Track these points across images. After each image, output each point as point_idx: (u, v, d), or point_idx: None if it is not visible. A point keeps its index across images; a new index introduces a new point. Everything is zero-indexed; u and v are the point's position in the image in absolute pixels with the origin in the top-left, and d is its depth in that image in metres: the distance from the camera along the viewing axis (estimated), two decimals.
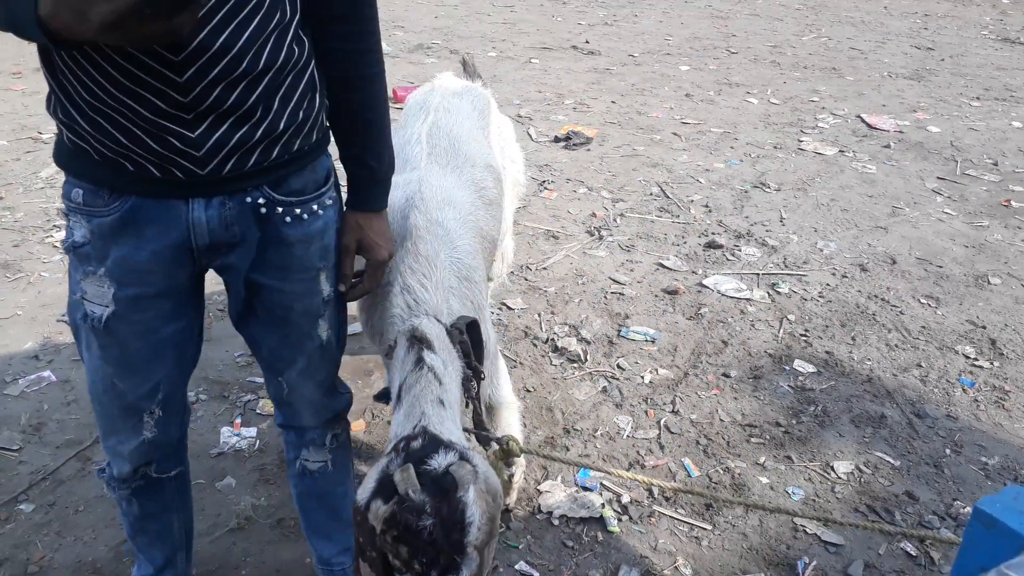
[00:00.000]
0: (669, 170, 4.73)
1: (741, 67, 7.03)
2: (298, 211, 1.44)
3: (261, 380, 2.82)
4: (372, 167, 1.51)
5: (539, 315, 3.28)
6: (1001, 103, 6.23)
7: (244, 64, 1.24)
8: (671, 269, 3.64)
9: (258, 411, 2.70)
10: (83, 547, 2.19)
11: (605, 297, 3.41)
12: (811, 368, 2.99)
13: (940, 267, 3.75)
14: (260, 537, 2.23)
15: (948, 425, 2.73)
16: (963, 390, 2.91)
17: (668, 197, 4.36)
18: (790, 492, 2.42)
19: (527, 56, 7.17)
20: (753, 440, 2.62)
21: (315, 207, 1.47)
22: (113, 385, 1.51)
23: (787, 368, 2.99)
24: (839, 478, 2.48)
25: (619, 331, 3.17)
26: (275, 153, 1.36)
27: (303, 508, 1.92)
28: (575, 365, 2.96)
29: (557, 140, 5.15)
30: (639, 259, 3.72)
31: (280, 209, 1.42)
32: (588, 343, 3.09)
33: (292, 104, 1.35)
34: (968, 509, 2.36)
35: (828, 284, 3.56)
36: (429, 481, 1.31)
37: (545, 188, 4.45)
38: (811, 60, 7.32)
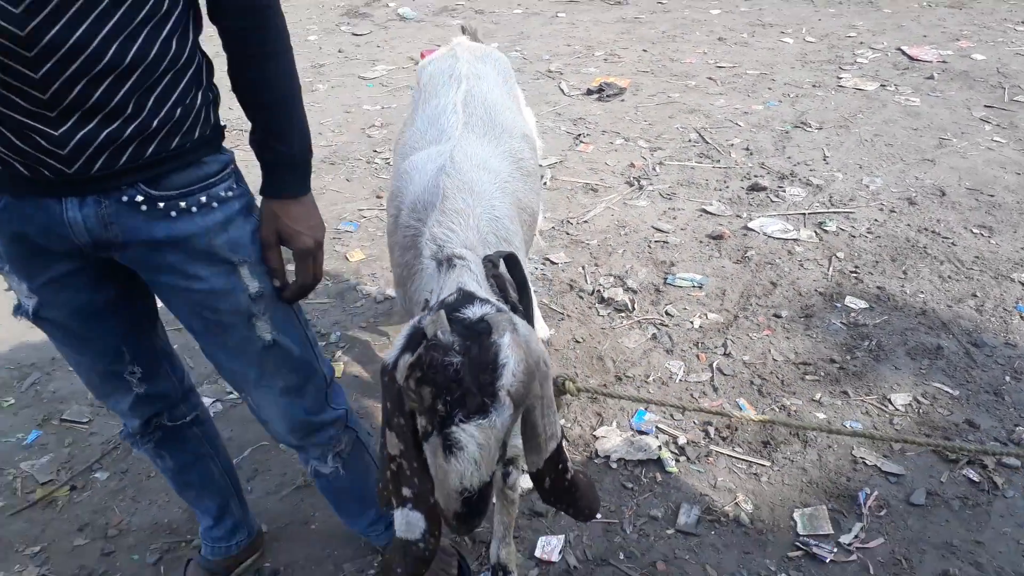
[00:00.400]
0: (707, 115, 4.66)
1: (773, 6, 6.84)
2: (183, 204, 1.36)
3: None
4: (279, 151, 1.41)
5: (583, 268, 3.28)
6: None
7: (106, 60, 1.18)
8: (715, 215, 3.61)
9: None
10: (157, 510, 2.29)
11: (649, 246, 3.40)
12: (863, 304, 2.96)
13: (992, 196, 3.65)
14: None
15: (1007, 353, 2.68)
16: (1021, 317, 2.86)
17: (707, 143, 4.31)
18: (848, 426, 2.42)
19: (553, 11, 7.07)
20: (808, 378, 2.62)
21: (204, 198, 1.38)
22: (78, 361, 1.57)
23: (838, 305, 2.96)
24: (897, 410, 2.47)
25: (665, 279, 3.17)
26: (150, 151, 1.29)
27: (327, 496, 1.94)
28: (623, 314, 2.97)
29: (590, 92, 5.10)
30: (681, 207, 3.69)
31: (162, 204, 1.34)
32: (635, 292, 3.09)
33: (170, 102, 1.29)
34: None
35: (876, 220, 3.50)
36: (461, 326, 1.19)
37: (581, 141, 4.42)
38: None
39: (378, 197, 3.94)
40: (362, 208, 3.86)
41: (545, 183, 3.98)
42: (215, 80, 1.43)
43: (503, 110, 2.12)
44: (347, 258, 3.45)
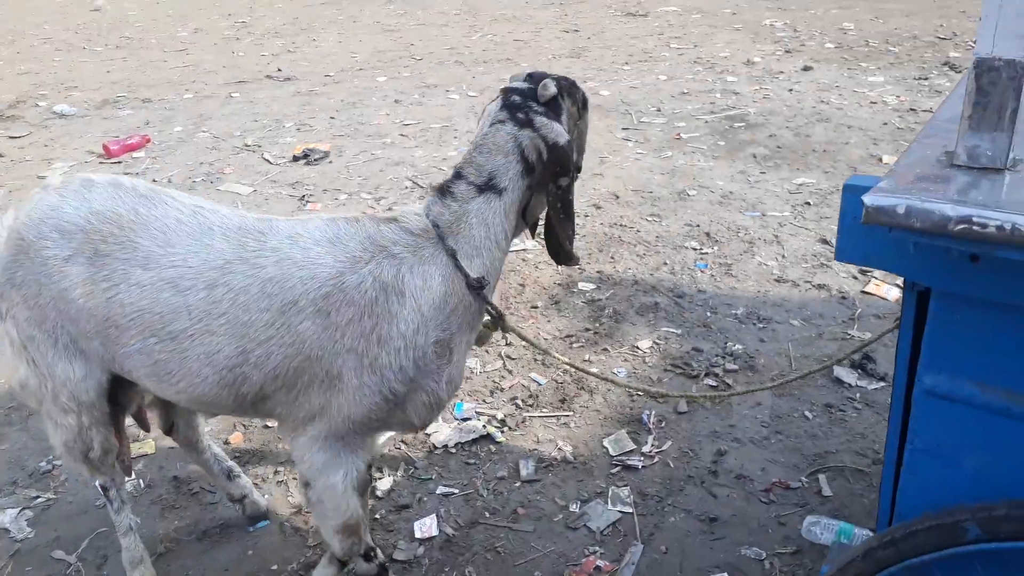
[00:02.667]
0: (412, 165, 5.19)
1: (431, 70, 7.70)
2: None
3: None
4: None
5: None
6: (644, 63, 7.60)
7: None
8: None
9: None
10: None
11: None
12: (592, 285, 3.64)
13: (651, 192, 4.65)
14: (190, 551, 2.29)
15: (701, 298, 3.52)
16: (701, 272, 3.75)
17: (422, 187, 4.82)
18: (616, 371, 3.02)
19: (226, 92, 7.16)
20: (575, 345, 3.19)
21: None
22: None
23: (575, 290, 3.61)
24: (645, 352, 3.13)
25: None
26: None
27: None
28: None
29: (296, 159, 5.35)
30: None
31: None
32: None
33: None
34: (737, 346, 3.13)
35: (578, 223, 4.27)
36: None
37: (308, 201, 4.67)
38: (486, 55, 8.22)
39: None
40: None
41: None
42: None
43: None
44: None
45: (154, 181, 5.05)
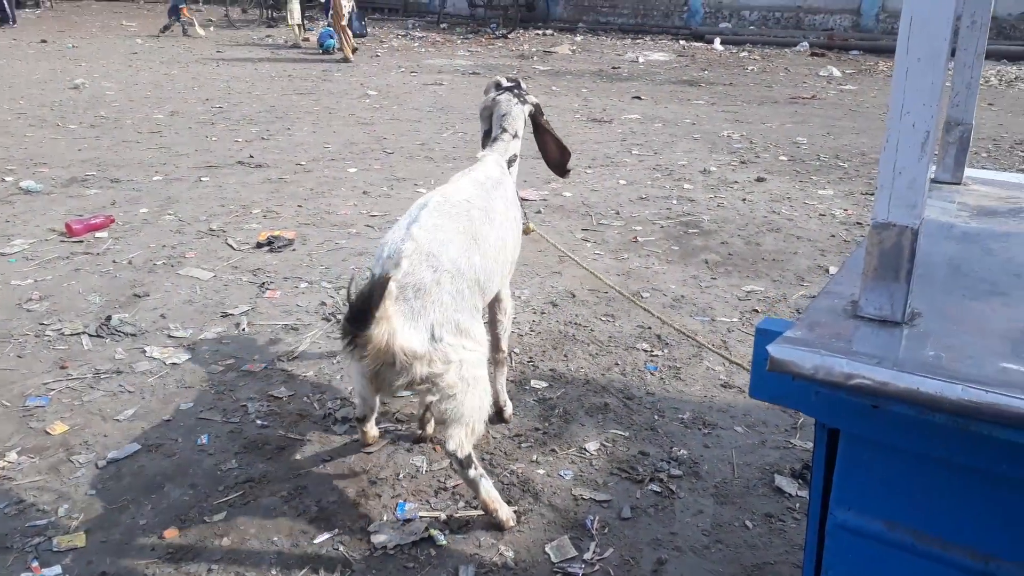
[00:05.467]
0: (375, 256, 5.26)
1: (401, 164, 7.91)
2: None
3: (42, 521, 2.71)
4: None
5: (308, 397, 3.54)
6: (606, 168, 7.89)
7: None
8: None
9: (54, 549, 2.60)
10: None
11: None
12: (544, 384, 3.69)
13: (606, 292, 4.77)
14: None
15: (650, 400, 3.58)
16: (651, 374, 3.82)
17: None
18: (563, 474, 3.03)
19: (195, 175, 7.26)
20: (523, 445, 3.20)
21: None
22: None
23: (527, 387, 3.65)
24: (592, 455, 3.16)
25: None
26: None
27: None
28: (358, 430, 3.29)
29: (260, 246, 5.41)
30: None
31: None
32: None
33: None
34: (682, 451, 3.18)
35: (534, 320, 4.35)
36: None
37: (267, 288, 4.70)
38: (456, 152, 8.48)
39: (63, 367, 3.74)
40: (47, 381, 3.63)
41: (243, 329, 4.17)
42: None
43: None
44: (48, 432, 3.25)
45: (114, 262, 5.06)
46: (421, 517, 2.78)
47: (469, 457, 2.61)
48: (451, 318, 2.44)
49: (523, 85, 3.40)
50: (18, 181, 6.77)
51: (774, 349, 1.15)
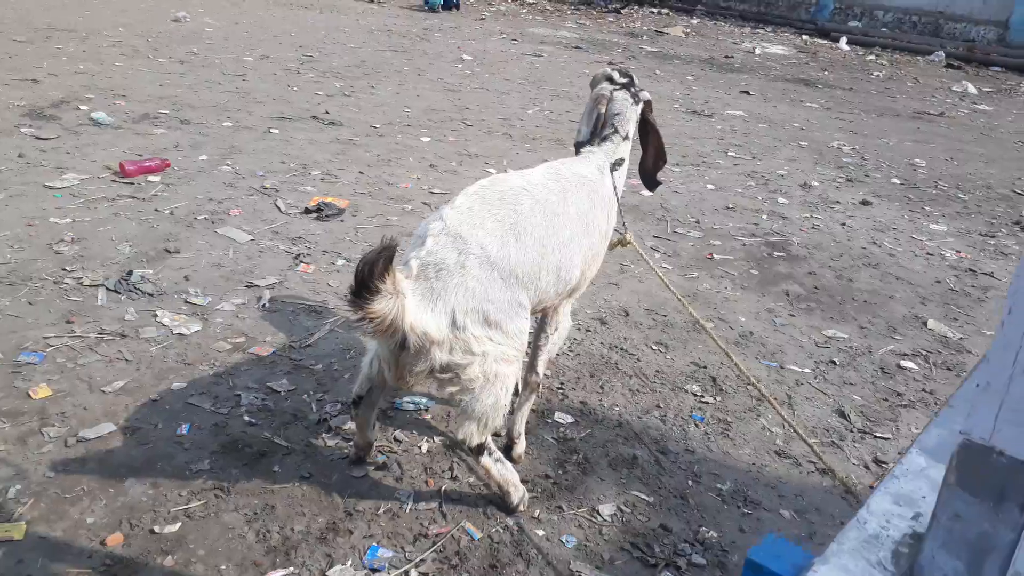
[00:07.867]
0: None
1: (477, 139, 7.50)
2: None
3: None
4: None
5: (308, 395, 3.22)
6: (696, 168, 7.28)
7: None
8: None
9: None
10: None
11: None
12: (569, 419, 3.25)
13: (664, 316, 4.27)
14: None
15: (687, 459, 3.10)
16: (695, 425, 3.33)
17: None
18: (564, 541, 2.60)
19: (266, 126, 7.05)
20: (528, 496, 2.78)
21: None
22: None
23: (549, 421, 3.22)
24: (604, 520, 2.71)
25: (393, 403, 3.21)
26: None
27: None
28: (351, 443, 2.94)
29: (308, 211, 5.12)
30: None
31: None
32: None
33: None
34: (712, 533, 2.70)
35: (575, 338, 3.90)
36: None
37: (301, 262, 4.40)
38: (537, 131, 8.00)
39: (68, 322, 3.53)
40: (48, 336, 3.43)
41: (264, 305, 3.88)
42: None
43: None
44: (30, 395, 3.03)
45: (156, 211, 4.86)
46: (391, 567, 2.41)
47: (480, 446, 2.48)
48: (478, 307, 2.24)
49: (636, 79, 3.10)
50: (91, 111, 6.70)
51: None
